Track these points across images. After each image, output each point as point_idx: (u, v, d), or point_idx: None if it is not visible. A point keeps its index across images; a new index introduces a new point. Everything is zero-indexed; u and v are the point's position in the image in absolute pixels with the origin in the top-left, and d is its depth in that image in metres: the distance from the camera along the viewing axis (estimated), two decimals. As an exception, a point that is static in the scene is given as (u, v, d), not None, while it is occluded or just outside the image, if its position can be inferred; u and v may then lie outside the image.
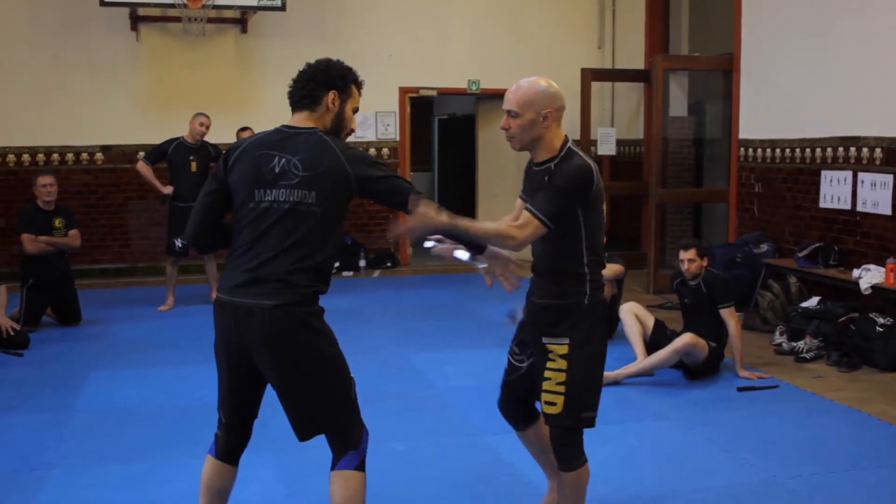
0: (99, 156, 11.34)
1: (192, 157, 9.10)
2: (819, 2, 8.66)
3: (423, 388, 6.43)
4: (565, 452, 3.61)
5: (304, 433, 3.36)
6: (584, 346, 3.53)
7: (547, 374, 3.56)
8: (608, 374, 6.38)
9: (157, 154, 9.24)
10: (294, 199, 3.26)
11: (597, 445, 5.15)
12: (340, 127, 3.45)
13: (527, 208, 3.44)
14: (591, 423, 3.61)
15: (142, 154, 10.12)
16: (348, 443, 3.33)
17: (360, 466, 3.34)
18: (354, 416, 3.38)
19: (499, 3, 12.48)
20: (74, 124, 11.16)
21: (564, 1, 12.69)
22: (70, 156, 11.26)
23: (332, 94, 3.41)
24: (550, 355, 3.56)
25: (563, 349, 3.53)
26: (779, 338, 7.49)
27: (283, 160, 3.29)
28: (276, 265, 3.24)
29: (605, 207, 3.56)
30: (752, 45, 9.71)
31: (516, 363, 3.84)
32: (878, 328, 6.89)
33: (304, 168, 3.27)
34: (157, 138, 9.53)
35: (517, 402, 3.93)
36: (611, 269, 7.46)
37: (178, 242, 9.12)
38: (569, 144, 3.53)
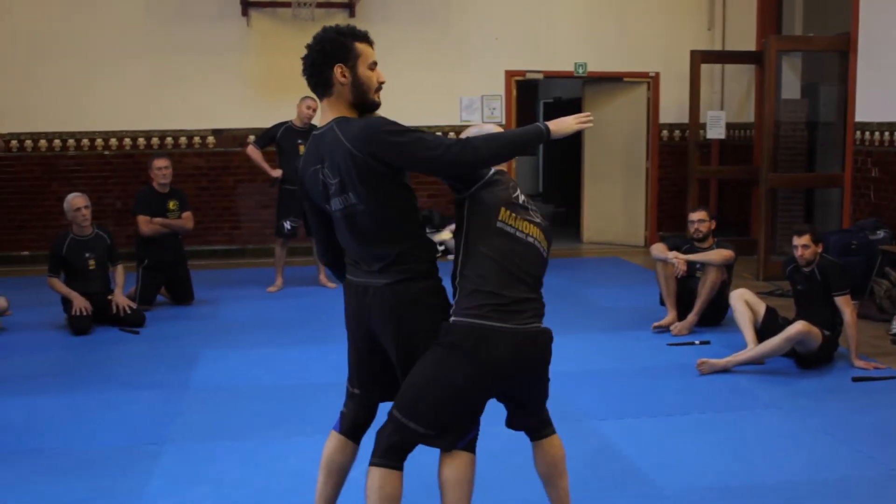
0: (210, 139, 11.59)
1: (300, 141, 9.18)
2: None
3: (528, 372, 6.40)
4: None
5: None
6: None
7: None
8: (716, 361, 6.28)
9: (266, 138, 9.37)
10: (342, 205, 3.27)
11: (706, 433, 5.11)
12: (363, 91, 3.30)
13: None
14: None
15: (251, 138, 10.29)
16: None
17: (470, 447, 3.35)
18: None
19: (606, -16, 12.33)
20: (187, 108, 11.43)
21: (674, -19, 12.48)
22: (183, 139, 11.53)
23: (338, 69, 3.26)
24: None
25: None
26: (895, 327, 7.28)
27: (321, 173, 3.29)
28: (371, 262, 3.31)
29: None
30: (870, 24, 9.39)
31: None
32: None
33: (333, 175, 3.24)
34: (266, 122, 9.68)
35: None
36: (720, 255, 7.34)
37: (287, 224, 9.26)
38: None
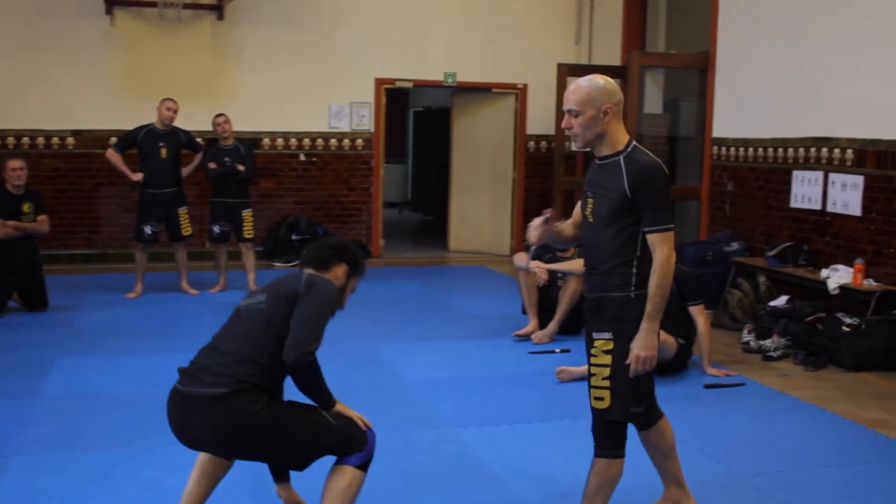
0: (70, 140, 11.24)
1: (161, 144, 9.03)
2: (795, 4, 8.71)
3: (392, 380, 6.41)
4: (606, 441, 3.68)
5: (297, 468, 3.56)
6: (625, 340, 3.56)
7: (593, 369, 3.63)
8: (575, 369, 6.40)
9: (126, 141, 9.15)
10: (248, 303, 3.57)
11: (564, 440, 5.19)
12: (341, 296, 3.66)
13: (647, 230, 3.51)
14: (639, 419, 3.71)
15: (114, 140, 10.03)
16: (351, 450, 3.46)
17: (363, 466, 3.47)
18: (338, 436, 3.45)
19: (477, -5, 12.47)
20: (47, 108, 11.05)
21: (543, -5, 12.70)
22: (41, 140, 11.15)
23: (343, 268, 3.65)
24: (594, 350, 3.62)
25: (608, 344, 3.58)
26: (747, 336, 7.54)
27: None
28: (219, 366, 3.43)
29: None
30: (727, 44, 9.75)
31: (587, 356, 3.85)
32: (844, 328, 6.93)
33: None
34: (130, 124, 9.44)
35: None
36: (581, 265, 7.46)
37: (148, 229, 9.07)
38: (634, 142, 3.64)
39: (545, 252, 7.72)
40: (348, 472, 3.43)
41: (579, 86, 3.58)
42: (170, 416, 3.47)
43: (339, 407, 3.48)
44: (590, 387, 3.66)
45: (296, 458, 3.47)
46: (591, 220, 3.64)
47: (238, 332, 3.46)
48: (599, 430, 3.69)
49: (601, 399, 3.61)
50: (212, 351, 3.47)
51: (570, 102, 3.57)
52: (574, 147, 3.67)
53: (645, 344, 3.48)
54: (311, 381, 3.39)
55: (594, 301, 3.64)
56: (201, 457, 3.58)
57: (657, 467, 4.09)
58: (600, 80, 3.60)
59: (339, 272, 3.62)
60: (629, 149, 3.59)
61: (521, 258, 7.68)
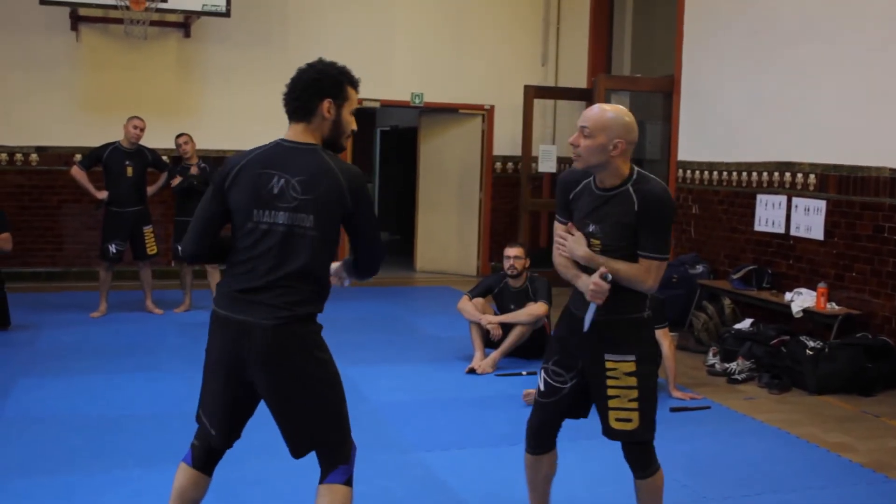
0: (34, 157, 11.14)
1: (127, 162, 8.98)
2: (758, 30, 8.82)
3: (357, 402, 6.34)
4: (643, 461, 3.72)
5: (298, 450, 3.34)
6: (647, 361, 3.64)
7: (612, 391, 3.62)
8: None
9: (92, 159, 9.09)
10: (291, 222, 3.21)
11: (531, 464, 5.18)
12: (339, 133, 3.35)
13: (645, 256, 3.49)
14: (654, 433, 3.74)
15: (78, 157, 9.95)
16: (339, 458, 3.33)
17: (349, 481, 3.34)
18: (347, 432, 3.38)
19: (445, 16, 12.52)
20: (9, 124, 10.96)
21: (510, 17, 12.78)
22: (3, 156, 11.04)
23: (326, 103, 3.28)
24: (613, 373, 3.61)
25: (630, 366, 3.59)
26: (712, 359, 7.58)
27: (283, 180, 3.22)
28: (273, 287, 3.21)
29: None
30: (692, 69, 9.85)
31: (557, 384, 3.80)
32: (808, 351, 6.99)
33: (304, 191, 3.20)
34: (94, 141, 9.38)
35: (550, 424, 3.94)
36: (530, 315, 7.26)
37: (113, 248, 8.99)
38: (637, 169, 3.59)
39: (496, 281, 7.62)
40: (339, 491, 3.29)
41: (600, 109, 3.54)
42: (216, 342, 3.32)
43: None
44: (608, 409, 3.64)
45: (312, 425, 3.31)
46: (596, 249, 3.59)
47: (277, 255, 3.25)
48: (634, 454, 3.71)
49: (628, 420, 3.62)
50: (253, 278, 3.27)
51: (586, 121, 3.50)
52: (575, 165, 3.60)
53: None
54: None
55: (603, 324, 3.58)
56: (178, 486, 3.40)
57: (537, 493, 4.11)
58: (623, 113, 3.54)
59: (325, 108, 3.29)
60: (635, 177, 3.54)
61: (469, 311, 7.46)
